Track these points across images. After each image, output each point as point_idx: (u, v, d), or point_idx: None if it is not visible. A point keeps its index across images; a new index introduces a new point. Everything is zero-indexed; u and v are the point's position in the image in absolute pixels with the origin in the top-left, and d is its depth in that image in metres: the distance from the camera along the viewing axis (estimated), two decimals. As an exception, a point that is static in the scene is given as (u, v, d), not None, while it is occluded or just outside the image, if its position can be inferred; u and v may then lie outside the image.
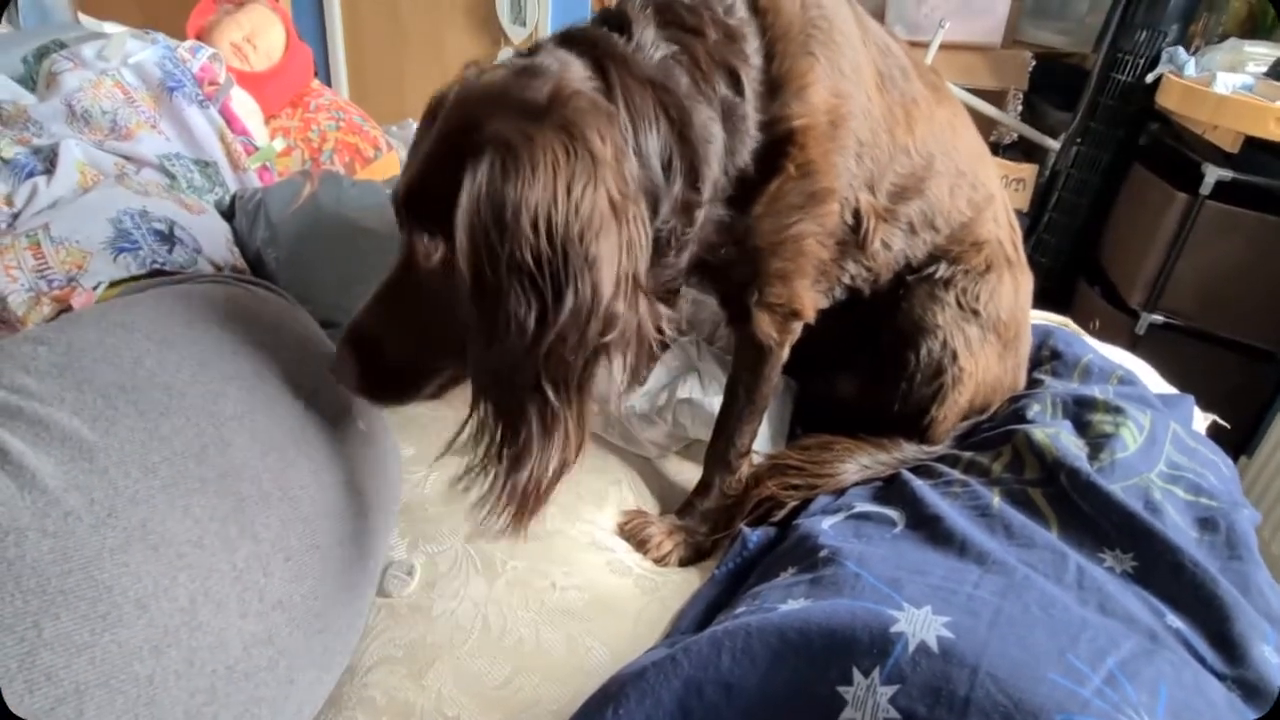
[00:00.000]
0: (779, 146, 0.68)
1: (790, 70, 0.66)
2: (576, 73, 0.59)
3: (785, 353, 0.79)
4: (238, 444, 0.53)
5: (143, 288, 0.75)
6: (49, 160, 0.94)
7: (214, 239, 0.92)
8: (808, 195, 0.70)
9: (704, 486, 0.84)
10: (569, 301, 0.51)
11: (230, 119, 1.20)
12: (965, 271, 0.84)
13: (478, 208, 0.51)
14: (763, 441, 0.89)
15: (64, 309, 0.79)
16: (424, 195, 0.56)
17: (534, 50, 0.63)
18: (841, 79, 0.70)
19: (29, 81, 1.18)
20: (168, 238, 0.86)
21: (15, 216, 0.91)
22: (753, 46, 0.66)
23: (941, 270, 0.83)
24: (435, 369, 0.61)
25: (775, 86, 0.66)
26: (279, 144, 1.30)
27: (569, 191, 0.51)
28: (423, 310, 0.58)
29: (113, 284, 0.82)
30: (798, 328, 0.78)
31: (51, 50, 1.19)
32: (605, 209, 0.52)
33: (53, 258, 0.81)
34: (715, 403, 0.86)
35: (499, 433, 0.55)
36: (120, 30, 1.26)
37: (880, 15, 2.35)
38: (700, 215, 0.66)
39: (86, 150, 0.98)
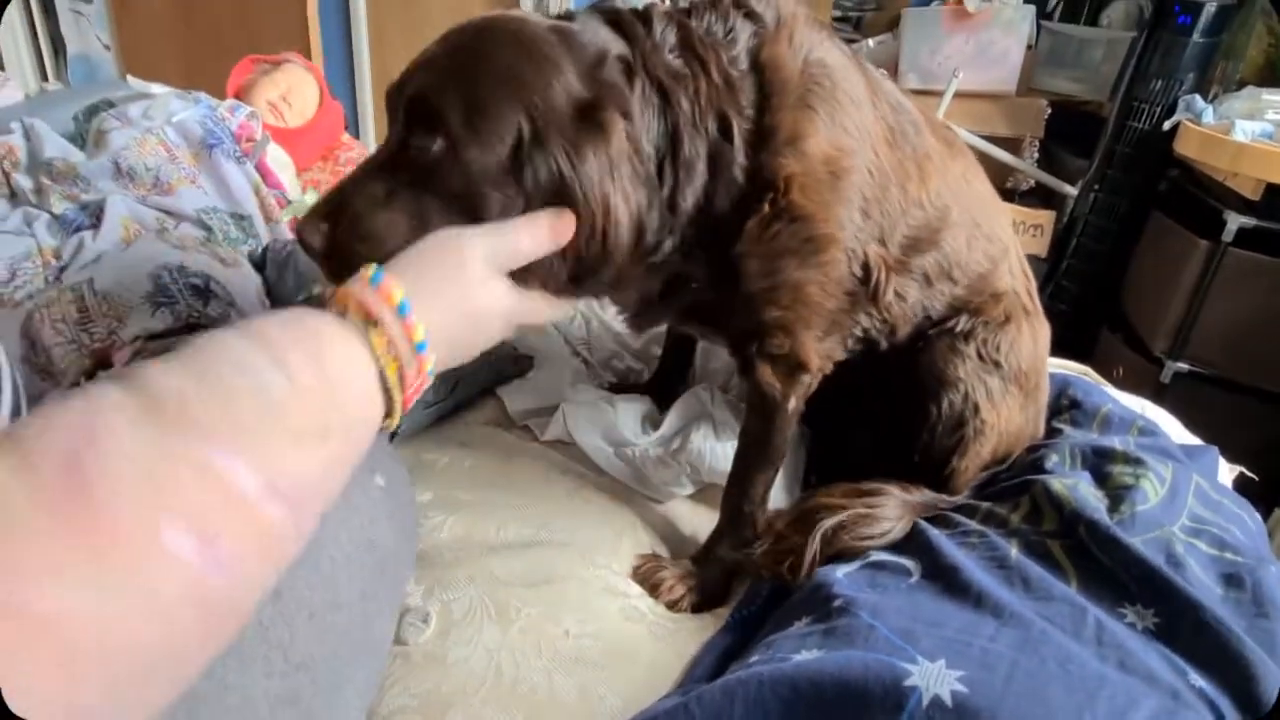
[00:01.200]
0: (761, 192, 0.69)
1: (781, 122, 0.68)
2: (611, 56, 0.63)
3: (795, 405, 0.78)
4: None
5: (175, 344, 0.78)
6: (95, 215, 0.99)
7: (246, 291, 0.96)
8: (802, 241, 0.71)
9: (719, 533, 0.83)
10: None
11: (265, 173, 1.25)
12: (985, 323, 0.83)
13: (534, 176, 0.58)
14: (775, 489, 0.88)
15: (103, 363, 0.82)
16: (429, 100, 0.58)
17: (568, 17, 0.66)
18: (844, 135, 0.71)
19: (79, 139, 1.25)
20: (203, 292, 0.90)
21: (62, 270, 0.95)
22: (747, 99, 0.68)
23: (962, 323, 0.83)
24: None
25: (765, 136, 0.68)
26: (310, 197, 1.35)
27: (598, 189, 0.59)
28: (401, 196, 0.59)
29: (151, 337, 0.85)
30: (805, 380, 0.77)
31: (101, 109, 1.26)
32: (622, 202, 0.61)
33: (95, 311, 0.84)
34: (729, 449, 0.86)
35: None
36: (165, 91, 1.33)
37: (894, 65, 2.40)
38: (670, 241, 0.69)
39: (130, 205, 1.03)
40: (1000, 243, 0.86)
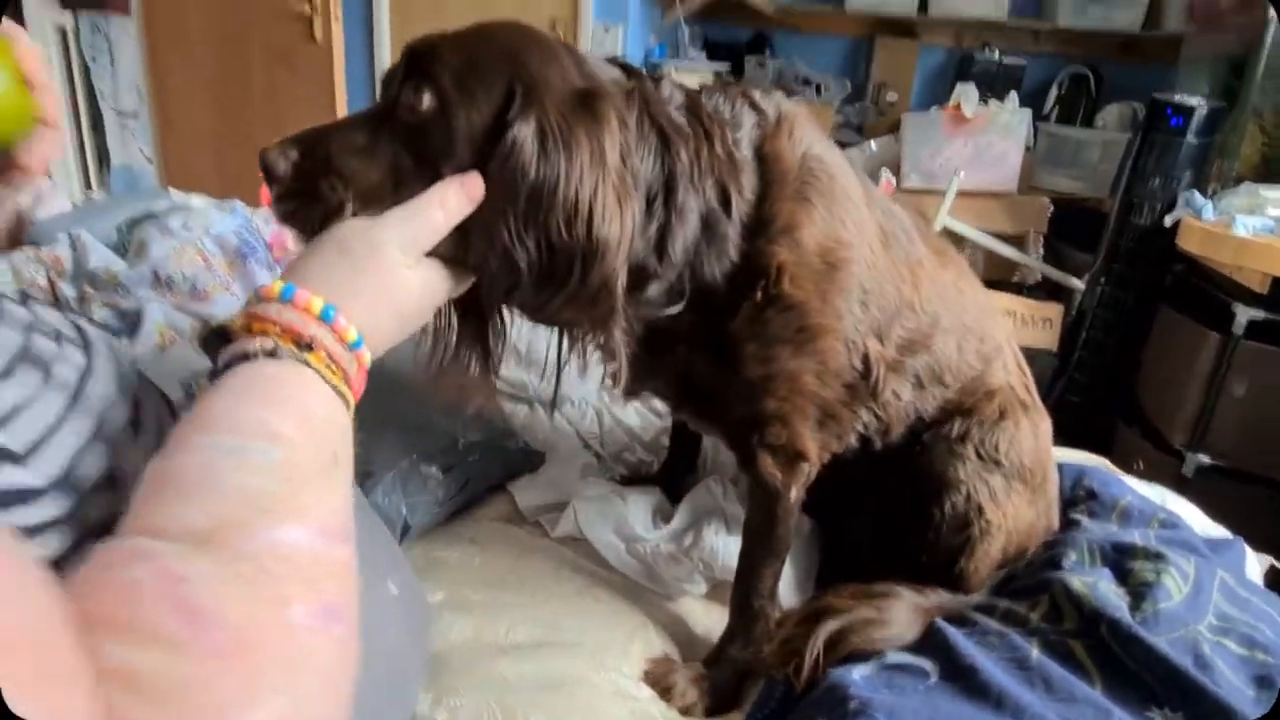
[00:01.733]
0: (754, 278, 0.69)
1: (779, 212, 0.69)
2: (615, 79, 0.63)
3: (796, 494, 0.78)
4: None
5: None
6: (133, 322, 1.04)
7: None
8: (797, 330, 0.71)
9: (730, 633, 0.82)
10: (575, 273, 0.55)
11: (295, 280, 1.31)
12: (980, 423, 0.83)
13: (527, 164, 0.54)
14: (787, 587, 0.87)
15: None
16: (427, 56, 0.56)
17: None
18: (841, 228, 0.72)
19: (122, 248, 1.32)
20: None
21: (98, 374, 0.99)
22: (749, 183, 0.68)
23: (957, 426, 0.83)
24: (354, 197, 0.57)
25: (762, 224, 0.69)
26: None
27: (587, 178, 0.55)
28: (381, 149, 0.56)
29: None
30: (805, 469, 0.77)
31: (143, 220, 1.34)
32: (614, 201, 0.56)
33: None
34: (740, 542, 0.85)
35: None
36: (205, 203, 1.41)
37: (896, 166, 2.49)
38: (656, 287, 0.67)
39: (167, 313, 1.08)
40: (993, 341, 0.87)
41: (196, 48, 2.86)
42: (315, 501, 0.39)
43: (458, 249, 0.55)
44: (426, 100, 0.55)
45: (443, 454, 0.97)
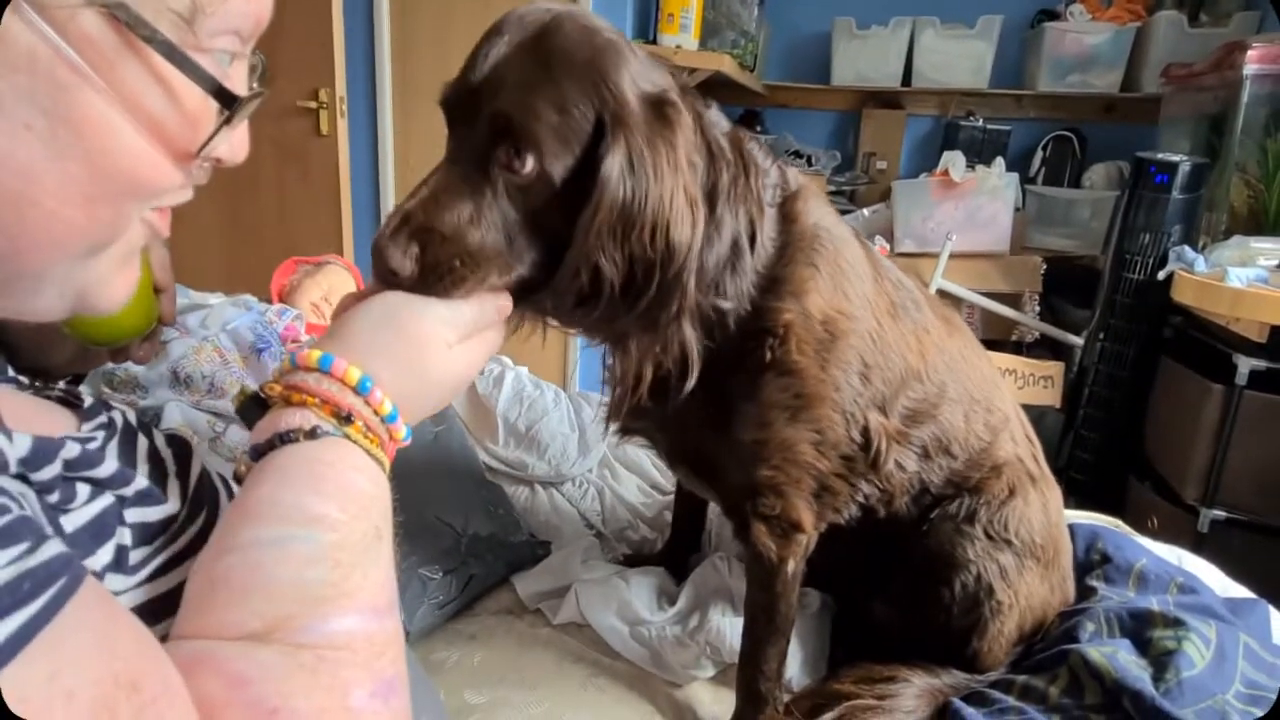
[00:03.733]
0: (761, 333, 0.69)
1: (790, 275, 0.70)
2: (669, 80, 0.62)
3: (794, 566, 0.76)
4: None
5: None
6: (153, 423, 1.05)
7: None
8: (794, 396, 0.71)
9: (738, 719, 0.80)
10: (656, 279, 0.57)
11: (306, 372, 1.34)
12: (987, 502, 0.82)
13: (618, 189, 0.55)
14: (797, 667, 0.85)
15: None
16: (519, 120, 0.54)
17: None
18: (844, 300, 0.72)
19: (138, 347, 1.35)
20: None
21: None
22: (770, 231, 0.69)
23: (965, 504, 0.82)
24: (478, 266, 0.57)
25: (774, 282, 0.69)
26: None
27: (666, 186, 0.57)
28: (488, 215, 0.56)
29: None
30: (802, 540, 0.76)
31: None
32: (685, 205, 0.59)
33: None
34: None
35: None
36: (221, 300, 1.45)
37: (889, 231, 2.54)
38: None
39: (185, 411, 1.10)
40: (1000, 412, 0.86)
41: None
42: (362, 581, 0.40)
43: (537, 270, 0.58)
44: (530, 165, 0.55)
45: (444, 555, 0.95)
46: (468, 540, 0.98)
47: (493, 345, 0.57)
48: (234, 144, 0.42)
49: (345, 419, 0.45)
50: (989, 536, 0.81)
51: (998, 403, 0.86)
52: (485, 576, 0.99)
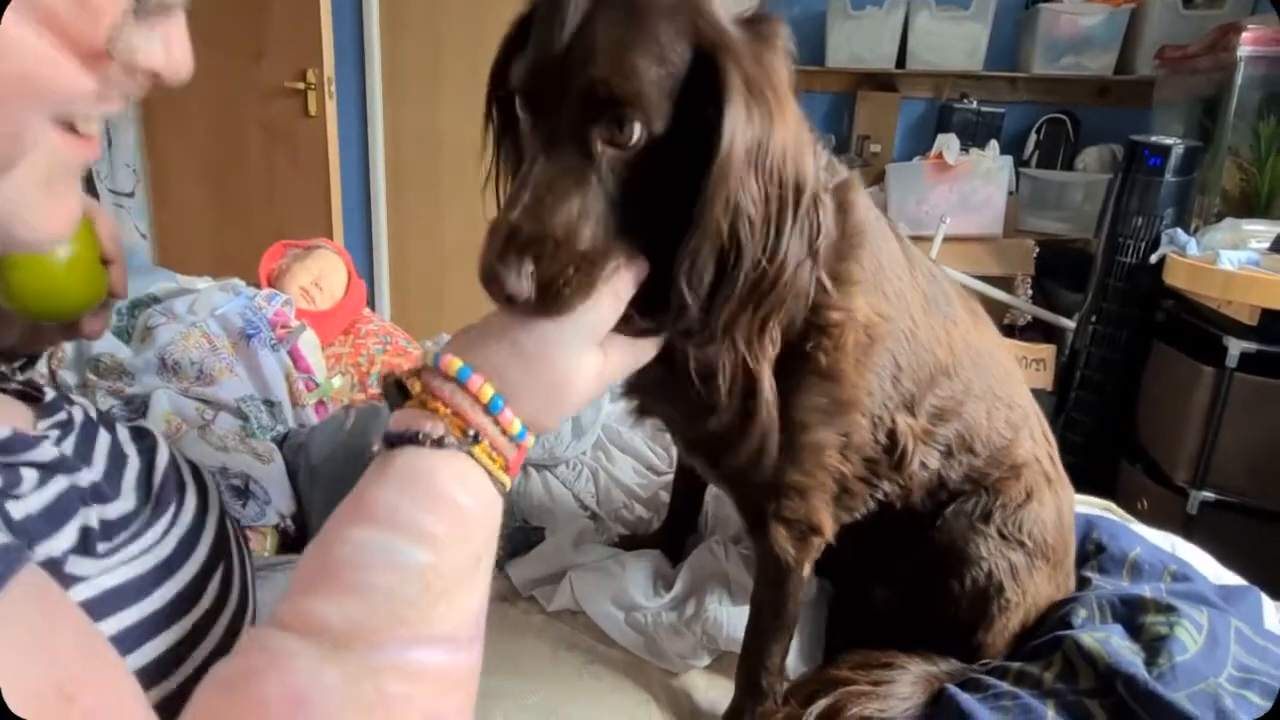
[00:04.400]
0: (815, 336, 0.66)
1: (843, 271, 0.66)
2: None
3: (808, 569, 0.76)
4: None
5: None
6: (140, 410, 1.05)
7: (282, 488, 0.98)
8: (832, 400, 0.69)
9: (736, 711, 0.80)
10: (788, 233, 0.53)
11: (297, 359, 1.32)
12: (1004, 505, 0.81)
13: (747, 122, 0.50)
14: (795, 654, 0.85)
15: None
16: (635, 78, 0.49)
17: None
18: (883, 300, 0.70)
19: (125, 333, 1.33)
20: (243, 492, 0.92)
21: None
22: (828, 221, 0.60)
23: (982, 502, 0.81)
24: (604, 261, 0.52)
25: (833, 279, 0.64)
26: (338, 381, 1.41)
27: (791, 111, 0.53)
28: (593, 205, 0.50)
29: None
30: (818, 543, 0.75)
31: (147, 304, 1.35)
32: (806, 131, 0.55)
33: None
34: (746, 614, 0.83)
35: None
36: (209, 285, 1.43)
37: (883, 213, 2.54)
38: None
39: (173, 399, 1.09)
40: (1020, 409, 0.85)
41: (194, 125, 2.92)
42: (447, 610, 0.40)
43: (638, 248, 0.53)
44: (638, 132, 0.50)
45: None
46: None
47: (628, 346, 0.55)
48: (171, 51, 0.36)
49: (473, 439, 0.45)
50: (1002, 536, 0.81)
51: (1018, 399, 0.85)
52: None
